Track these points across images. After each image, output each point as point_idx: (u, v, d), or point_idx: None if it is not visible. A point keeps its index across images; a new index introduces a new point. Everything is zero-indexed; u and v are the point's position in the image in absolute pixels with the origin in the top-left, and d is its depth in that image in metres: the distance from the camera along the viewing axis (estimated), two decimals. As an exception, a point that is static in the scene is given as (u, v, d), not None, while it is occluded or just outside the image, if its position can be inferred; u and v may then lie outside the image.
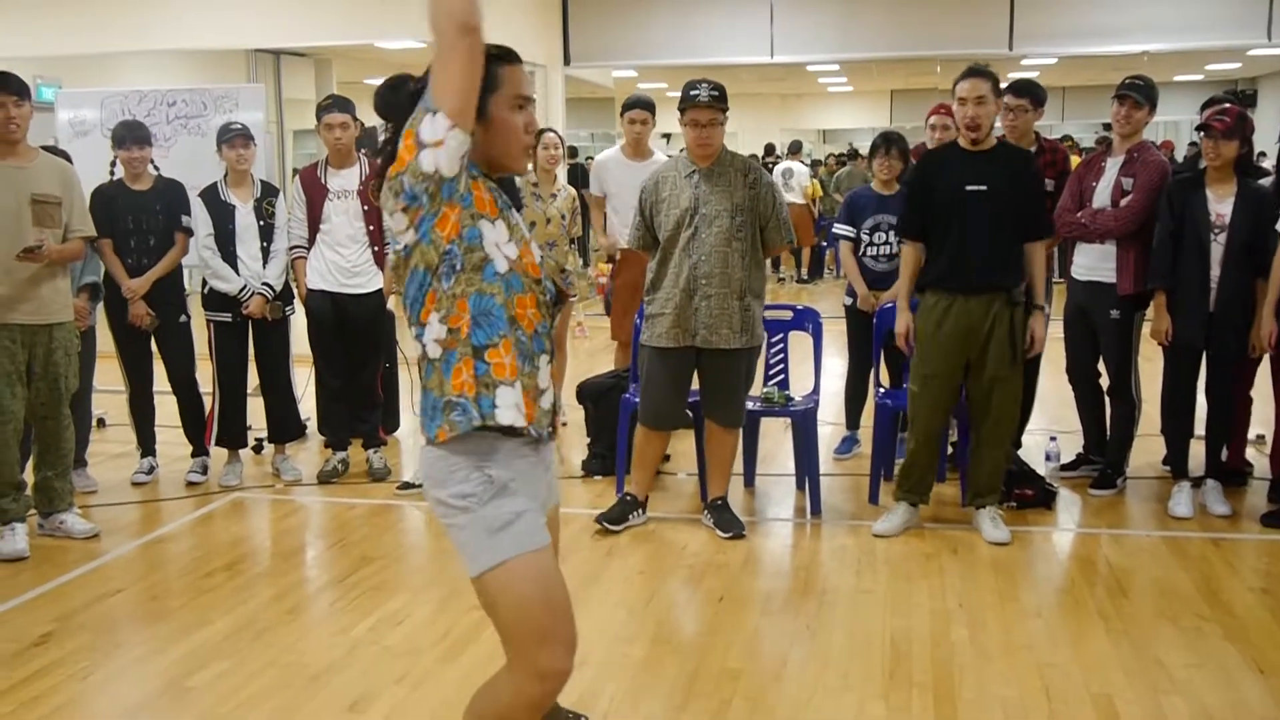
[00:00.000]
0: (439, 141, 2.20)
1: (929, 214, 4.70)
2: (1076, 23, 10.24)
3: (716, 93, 4.67)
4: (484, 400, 2.28)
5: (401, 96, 2.34)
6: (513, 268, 2.35)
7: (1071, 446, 5.76)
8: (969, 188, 4.59)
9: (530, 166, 6.67)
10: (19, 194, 4.60)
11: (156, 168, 5.68)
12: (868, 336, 5.70)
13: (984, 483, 4.83)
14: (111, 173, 5.60)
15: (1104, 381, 5.43)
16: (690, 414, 5.13)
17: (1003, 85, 4.91)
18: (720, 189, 4.71)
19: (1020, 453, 5.44)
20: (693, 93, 4.67)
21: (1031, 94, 5.29)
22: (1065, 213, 5.21)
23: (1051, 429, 6.08)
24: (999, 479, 4.87)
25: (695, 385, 4.95)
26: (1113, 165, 5.17)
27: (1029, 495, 5.17)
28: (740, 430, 5.00)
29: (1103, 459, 5.48)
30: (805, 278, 15.25)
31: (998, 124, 5.02)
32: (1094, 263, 5.22)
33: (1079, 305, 5.34)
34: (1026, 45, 10.39)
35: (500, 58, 2.34)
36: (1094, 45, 10.47)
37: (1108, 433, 5.48)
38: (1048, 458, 5.64)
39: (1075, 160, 5.65)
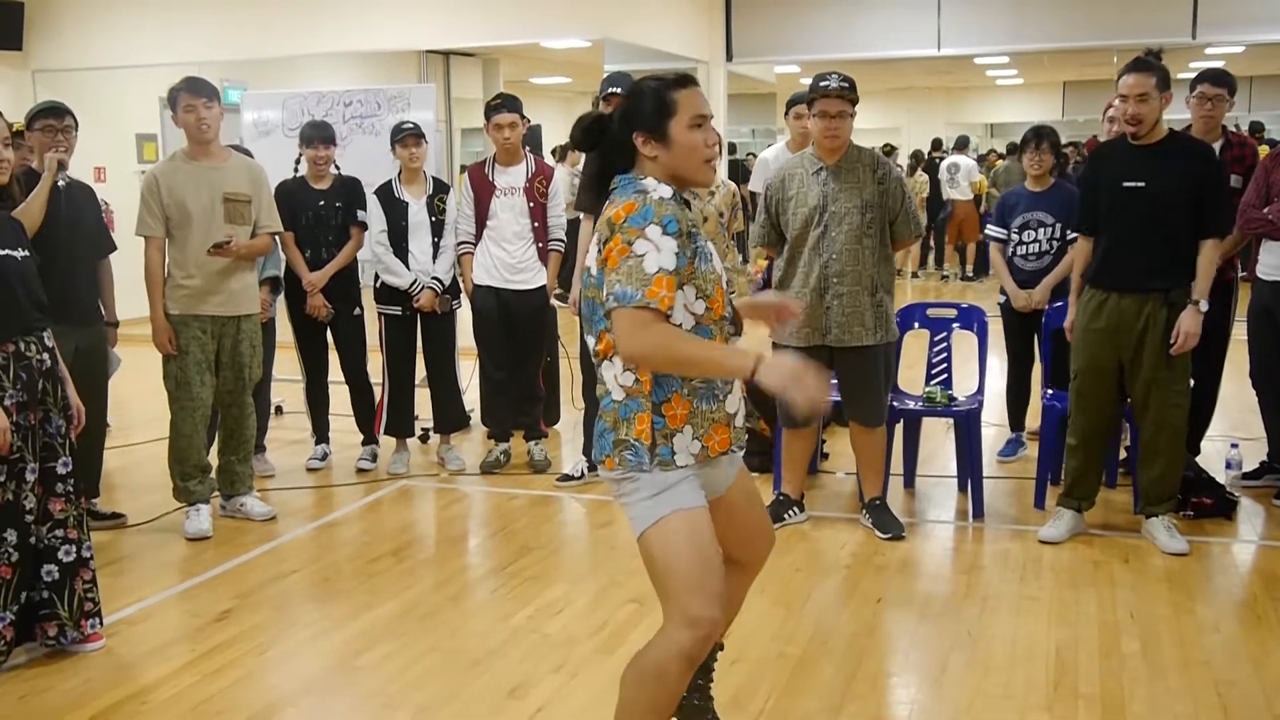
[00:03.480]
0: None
1: (1098, 209, 4.55)
2: (1265, 7, 9.69)
3: (846, 84, 4.59)
4: (663, 450, 2.49)
5: (596, 133, 2.61)
6: (699, 321, 2.51)
7: (1254, 454, 5.48)
8: (1126, 184, 4.41)
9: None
10: (213, 192, 4.84)
11: (338, 167, 5.91)
12: (1025, 336, 5.55)
13: (1152, 490, 4.62)
14: (296, 170, 5.85)
15: (1292, 387, 5.14)
16: (831, 412, 5.06)
17: (1181, 76, 4.69)
18: (849, 185, 4.64)
19: (1199, 459, 5.21)
20: (822, 83, 4.60)
21: (1229, 83, 5.06)
22: (1250, 208, 4.95)
23: (1233, 435, 5.80)
24: (1169, 487, 4.65)
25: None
26: (1306, 158, 4.89)
27: (1207, 504, 4.94)
28: (884, 428, 4.88)
29: (1289, 468, 5.20)
30: (970, 275, 14.88)
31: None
32: (1281, 261, 4.95)
33: (1265, 306, 5.07)
34: (1212, 32, 9.88)
35: (677, 84, 2.55)
36: (1285, 31, 9.91)
37: (1294, 441, 5.20)
38: (1228, 465, 5.38)
39: (1263, 151, 5.37)
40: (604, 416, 2.54)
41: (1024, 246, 5.62)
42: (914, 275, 15.55)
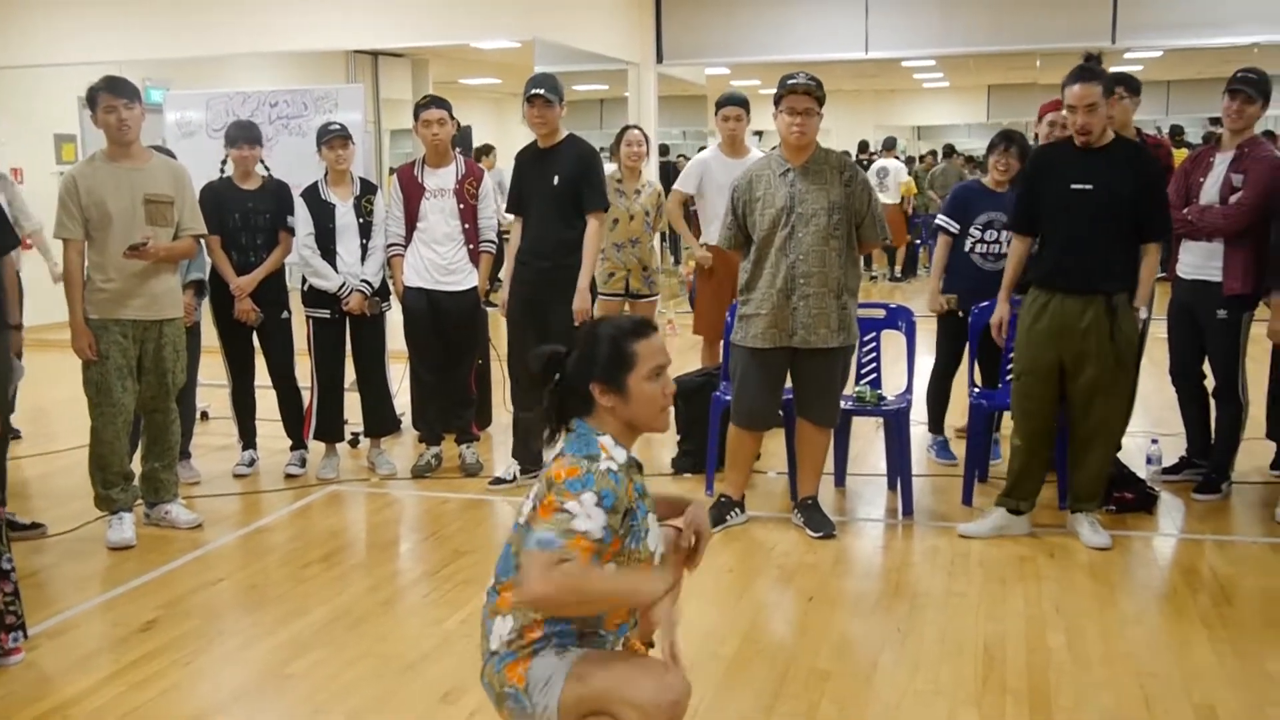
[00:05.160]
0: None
1: (1039, 211, 4.61)
2: (1183, 13, 9.94)
3: (814, 82, 4.63)
4: (540, 677, 2.44)
5: (551, 373, 2.54)
6: None
7: (1174, 449, 5.61)
8: (1074, 187, 4.48)
9: (616, 166, 6.71)
10: (134, 194, 4.74)
11: (267, 168, 5.82)
12: (961, 336, 5.60)
13: (1084, 488, 4.72)
14: (222, 170, 5.75)
15: (1208, 383, 5.27)
16: (781, 413, 5.10)
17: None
18: (816, 187, 4.67)
19: (1120, 455, 5.31)
20: (790, 80, 4.63)
21: (1126, 82, 5.14)
22: (1171, 209, 5.06)
23: (1153, 431, 5.93)
24: (1100, 485, 4.75)
25: (787, 384, 4.93)
26: (1222, 161, 5.01)
27: (1129, 499, 5.05)
28: (832, 429, 4.96)
29: (1206, 463, 5.32)
30: (899, 276, 15.09)
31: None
32: (1200, 261, 5.07)
33: (1184, 304, 5.19)
34: (1131, 37, 10.11)
35: (635, 333, 2.50)
36: (1201, 37, 10.15)
37: (1212, 436, 5.32)
38: (1149, 460, 5.50)
39: (1179, 154, 5.49)
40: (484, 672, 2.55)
41: (985, 245, 5.62)
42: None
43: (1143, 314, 4.55)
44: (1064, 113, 4.55)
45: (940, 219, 5.79)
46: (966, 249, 5.66)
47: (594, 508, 2.35)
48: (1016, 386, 4.69)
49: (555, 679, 2.41)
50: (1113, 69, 5.62)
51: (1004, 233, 5.53)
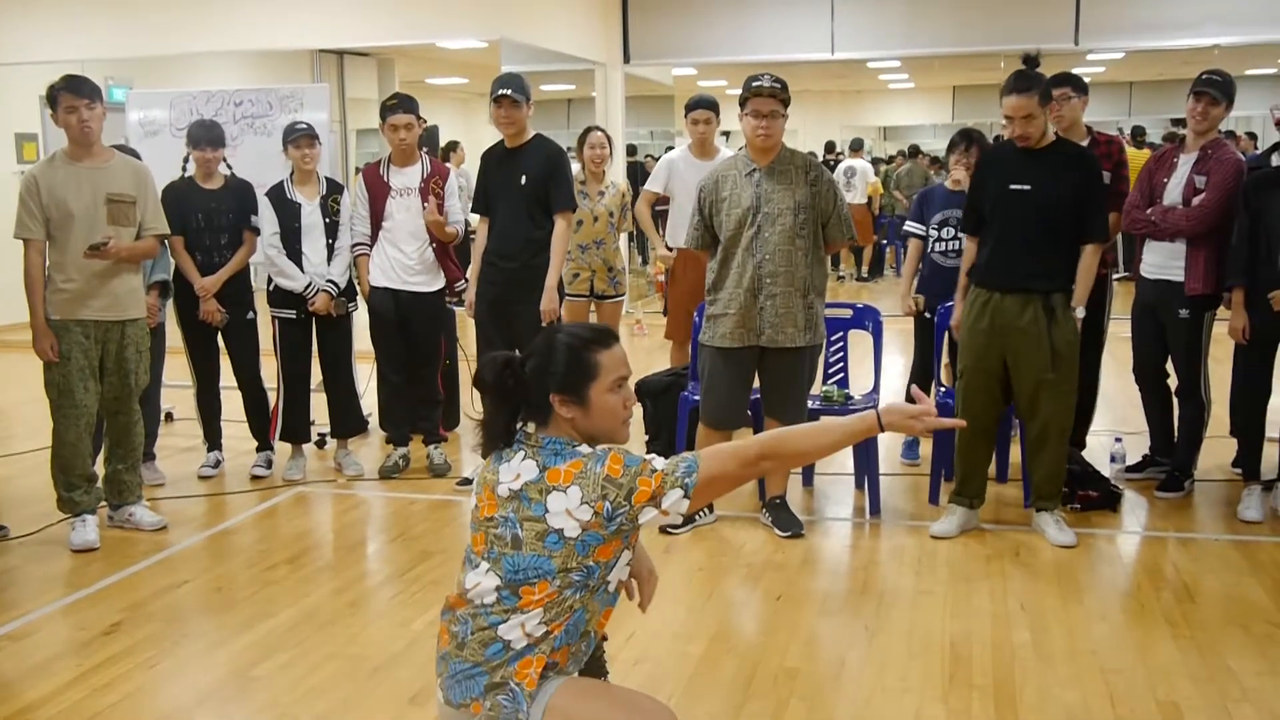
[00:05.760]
0: (666, 512, 2.33)
1: (981, 211, 4.67)
2: (1145, 15, 10.06)
3: (779, 84, 4.65)
4: (541, 694, 2.36)
5: (507, 380, 2.43)
6: (618, 589, 2.47)
7: (1137, 448, 5.66)
8: (1012, 187, 4.54)
9: (579, 167, 6.70)
10: (96, 193, 4.69)
11: (230, 168, 5.77)
12: (929, 336, 5.63)
13: (1044, 486, 4.76)
14: (184, 170, 5.70)
15: (1171, 382, 5.33)
16: (750, 413, 5.11)
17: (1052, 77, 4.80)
18: (782, 187, 4.69)
19: (1084, 454, 5.37)
20: (755, 83, 4.65)
21: (1072, 81, 5.19)
22: (1134, 209, 5.12)
23: (1117, 430, 5.99)
24: (1059, 481, 4.80)
25: (755, 384, 4.94)
26: (1185, 162, 5.06)
27: (1093, 497, 5.09)
28: None
29: (1170, 461, 5.38)
30: (865, 276, 15.16)
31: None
32: (1163, 261, 5.12)
33: (1147, 304, 5.24)
34: (1093, 39, 10.23)
35: (598, 342, 2.42)
36: (1163, 39, 10.28)
37: (1175, 434, 5.38)
38: (1112, 459, 5.55)
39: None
40: (470, 653, 2.35)
41: (943, 243, 5.65)
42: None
43: (1079, 314, 4.60)
44: (1002, 120, 4.59)
45: (908, 225, 5.85)
46: (928, 249, 5.71)
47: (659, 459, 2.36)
48: (959, 385, 4.76)
49: (533, 713, 2.34)
50: (1074, 69, 5.67)
51: (959, 228, 5.58)
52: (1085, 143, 5.18)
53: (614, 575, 2.40)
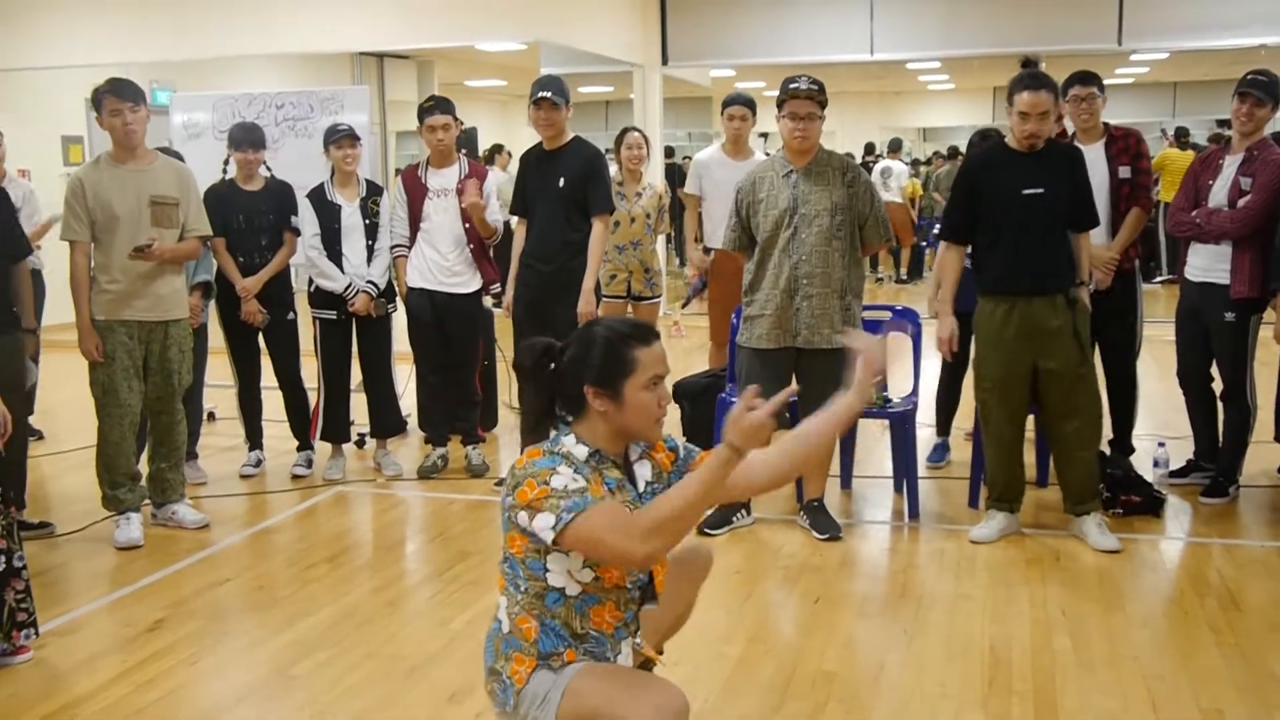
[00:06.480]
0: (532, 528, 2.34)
1: (976, 217, 4.64)
2: (1189, 15, 9.93)
3: (816, 86, 4.65)
4: (561, 677, 2.40)
5: (545, 367, 2.48)
6: (586, 590, 2.42)
7: (1181, 453, 5.60)
8: (1026, 191, 4.51)
9: (616, 168, 6.71)
10: (140, 195, 4.76)
11: (270, 170, 5.83)
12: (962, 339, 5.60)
13: (1080, 487, 4.71)
14: (224, 172, 5.76)
15: (1216, 386, 5.26)
16: (788, 415, 5.09)
17: (1109, 83, 4.79)
18: (819, 188, 4.68)
19: (1128, 458, 5.30)
20: (792, 85, 4.65)
21: (1097, 81, 5.17)
22: (1179, 211, 5.07)
23: (1160, 434, 5.92)
24: (1096, 481, 4.75)
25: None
26: (1231, 164, 5.00)
27: (1136, 502, 5.03)
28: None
29: (1214, 466, 5.31)
30: (904, 278, 15.07)
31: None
32: (1208, 263, 5.06)
33: (1191, 307, 5.18)
34: (1136, 40, 10.11)
35: (637, 338, 2.40)
36: (1208, 39, 10.15)
37: (1219, 439, 5.31)
38: (1155, 464, 5.49)
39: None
40: (490, 635, 2.49)
41: None
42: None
43: (1089, 290, 4.68)
44: (1014, 116, 4.50)
45: (940, 228, 5.80)
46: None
47: (573, 474, 2.32)
48: (987, 396, 4.69)
49: (552, 696, 2.37)
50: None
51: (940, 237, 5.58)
52: (1103, 140, 5.16)
53: (555, 581, 2.40)
